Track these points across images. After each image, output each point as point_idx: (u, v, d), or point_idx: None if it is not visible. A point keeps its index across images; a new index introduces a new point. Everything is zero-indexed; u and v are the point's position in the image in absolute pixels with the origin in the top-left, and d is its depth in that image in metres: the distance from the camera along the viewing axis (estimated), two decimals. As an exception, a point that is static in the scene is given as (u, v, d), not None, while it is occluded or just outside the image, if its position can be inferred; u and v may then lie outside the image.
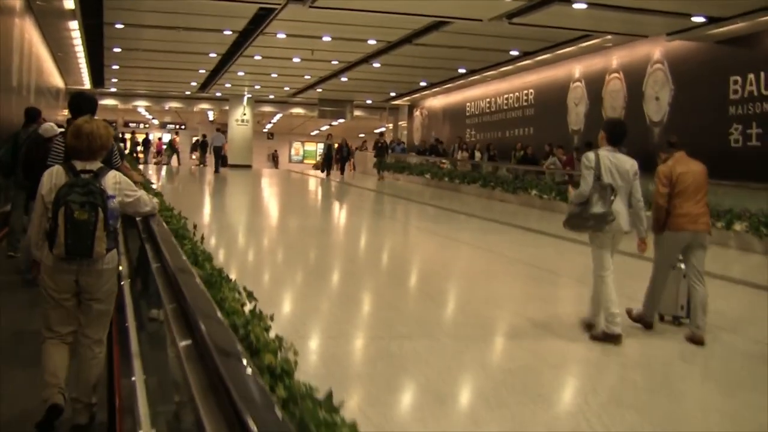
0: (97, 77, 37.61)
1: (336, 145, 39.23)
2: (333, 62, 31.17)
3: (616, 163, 7.05)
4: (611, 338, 6.92)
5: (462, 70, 33.00)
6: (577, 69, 28.29)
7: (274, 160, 63.05)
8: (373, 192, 28.87)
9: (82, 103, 7.29)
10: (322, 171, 37.46)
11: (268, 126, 59.22)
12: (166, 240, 5.06)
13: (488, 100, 36.33)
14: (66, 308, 5.01)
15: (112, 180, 5.06)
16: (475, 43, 25.22)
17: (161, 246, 4.85)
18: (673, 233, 7.37)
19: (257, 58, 30.00)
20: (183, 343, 3.01)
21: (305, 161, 64.66)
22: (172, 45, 27.83)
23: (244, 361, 2.47)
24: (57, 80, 32.50)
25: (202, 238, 6.47)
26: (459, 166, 32.04)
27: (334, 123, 56.68)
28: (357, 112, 48.67)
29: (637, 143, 18.13)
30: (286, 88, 42.08)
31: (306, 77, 36.60)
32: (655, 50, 23.69)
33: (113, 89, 44.90)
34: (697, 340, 7.13)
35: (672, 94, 23.02)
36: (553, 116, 29.52)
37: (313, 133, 65.83)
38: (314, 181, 35.34)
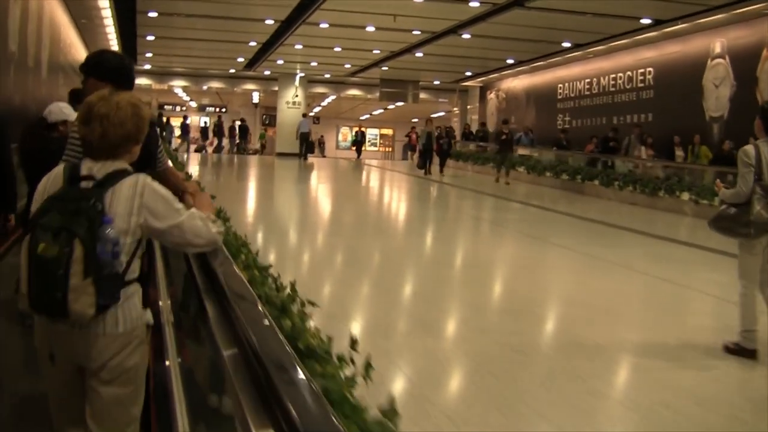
0: (130, 50, 33.69)
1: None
2: (414, 32, 27.22)
3: None
4: (745, 352, 6.46)
5: (566, 44, 28.74)
6: (719, 43, 23.94)
7: (320, 147, 58.93)
8: (519, 204, 21.29)
9: (103, 67, 4.50)
10: (421, 167, 30.46)
11: (316, 109, 55.63)
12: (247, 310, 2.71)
13: (588, 80, 32.22)
14: (68, 390, 3.50)
15: (129, 190, 3.31)
16: (592, 6, 21.92)
17: (237, 319, 2.61)
18: None
19: (323, 26, 26.40)
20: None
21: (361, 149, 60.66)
22: (221, 8, 24.20)
23: None
24: (80, 53, 28.35)
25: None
26: (640, 167, 23.97)
27: (390, 107, 53.76)
28: (422, 95, 45.41)
29: None
30: (347, 66, 38.82)
31: (375, 51, 33.04)
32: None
33: (147, 66, 41.31)
34: None
35: None
36: (682, 100, 25.28)
37: (362, 117, 62.21)
38: (411, 181, 28.78)
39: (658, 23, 23.72)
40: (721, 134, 23.04)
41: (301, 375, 2.09)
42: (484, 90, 44.01)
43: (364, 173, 34.91)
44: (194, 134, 48.11)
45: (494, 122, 41.04)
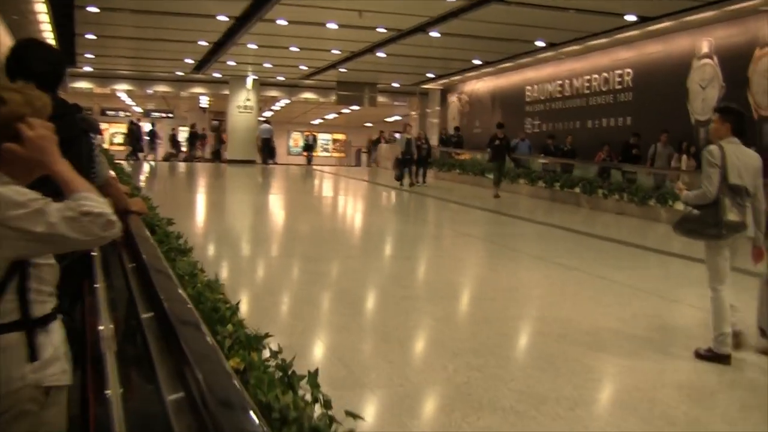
0: (67, 50, 31.69)
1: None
2: (379, 30, 25.69)
3: (743, 159, 6.53)
4: (719, 358, 6.45)
5: (540, 43, 27.44)
6: (706, 42, 22.76)
7: (270, 152, 57.05)
8: (522, 222, 18.97)
9: (26, 57, 3.96)
10: (399, 178, 27.44)
11: (267, 114, 54.09)
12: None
13: (559, 82, 30.95)
14: None
15: None
16: (575, 2, 20.67)
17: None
18: None
19: (281, 23, 24.78)
20: None
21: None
22: (169, 4, 22.73)
23: None
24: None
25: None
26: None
27: (344, 111, 52.53)
28: (380, 98, 44.16)
29: None
30: (303, 67, 37.29)
31: (334, 52, 31.54)
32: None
33: (88, 67, 39.24)
34: None
35: None
36: (665, 103, 24.02)
37: (315, 122, 60.96)
38: (389, 194, 26.49)
39: (643, 20, 22.48)
40: (708, 138, 21.86)
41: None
42: (445, 93, 42.73)
43: (330, 184, 33.12)
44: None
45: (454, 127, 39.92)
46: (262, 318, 7.10)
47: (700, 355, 6.64)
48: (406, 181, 27.11)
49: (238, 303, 4.37)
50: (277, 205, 22.37)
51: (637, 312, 8.65)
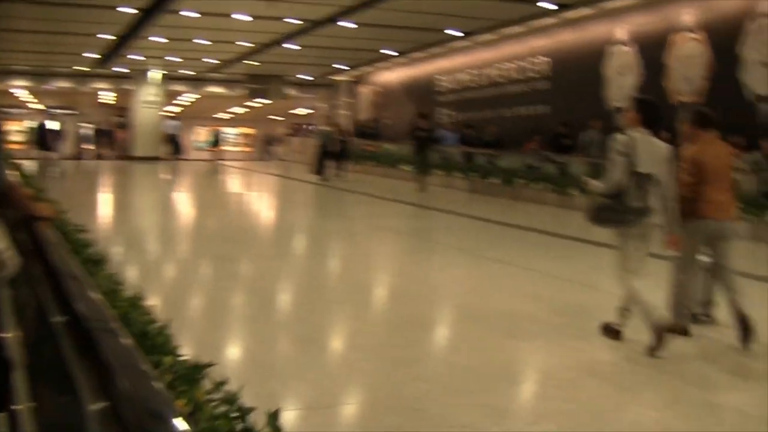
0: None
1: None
2: (290, 20, 24.86)
3: (651, 147, 6.61)
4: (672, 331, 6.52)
5: (454, 32, 26.86)
6: (623, 29, 22.47)
7: (176, 146, 55.62)
8: (447, 215, 18.11)
9: None
10: (318, 172, 26.31)
11: (173, 109, 52.63)
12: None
13: (473, 72, 30.42)
14: None
15: None
16: None
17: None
18: (697, 222, 6.92)
19: (188, 14, 23.69)
20: None
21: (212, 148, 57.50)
22: None
23: None
24: None
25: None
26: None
27: (253, 104, 51.37)
28: (289, 91, 43.45)
29: (733, 123, 15.81)
30: (210, 60, 36.35)
31: (243, 44, 30.61)
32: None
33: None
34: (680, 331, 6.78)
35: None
36: (582, 90, 23.69)
37: (221, 116, 59.65)
38: (307, 189, 25.49)
39: (559, 8, 22.13)
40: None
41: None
42: (355, 84, 42.08)
43: (242, 180, 32.05)
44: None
45: (368, 118, 39.28)
46: (175, 326, 6.29)
47: (658, 330, 6.52)
48: (330, 174, 26.12)
49: (168, 324, 4.12)
50: (187, 203, 21.44)
51: (570, 301, 8.49)
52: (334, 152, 26.42)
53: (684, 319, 7.07)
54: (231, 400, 3.35)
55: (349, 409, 5.58)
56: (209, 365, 3.73)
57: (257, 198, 24.20)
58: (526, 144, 23.76)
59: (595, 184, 6.90)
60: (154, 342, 4.00)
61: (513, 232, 14.81)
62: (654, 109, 6.81)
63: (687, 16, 20.36)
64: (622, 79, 22.60)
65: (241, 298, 8.94)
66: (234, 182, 30.64)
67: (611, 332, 6.84)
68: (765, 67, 18.09)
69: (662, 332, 6.37)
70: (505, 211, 19.01)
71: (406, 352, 6.57)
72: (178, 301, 8.22)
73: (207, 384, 3.59)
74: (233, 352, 6.78)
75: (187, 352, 4.17)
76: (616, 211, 6.60)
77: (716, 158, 7.08)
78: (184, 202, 21.53)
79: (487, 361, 6.32)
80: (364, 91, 41.04)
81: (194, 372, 3.58)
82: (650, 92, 20.92)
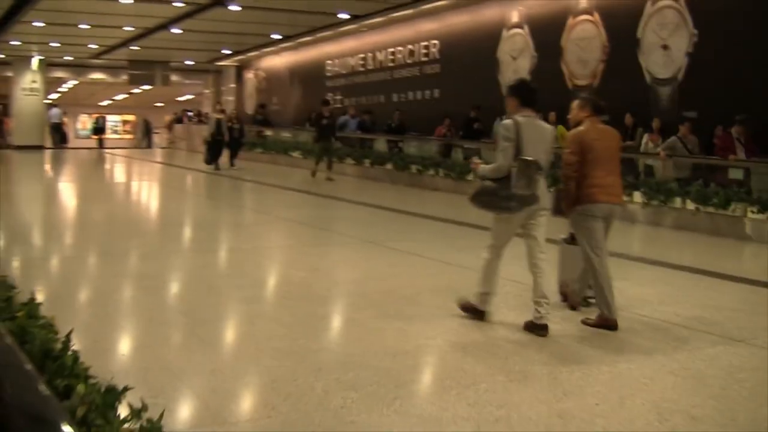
0: None
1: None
2: (175, 3, 23.59)
3: (537, 131, 6.61)
4: (478, 313, 6.81)
5: (343, 16, 25.97)
6: (516, 12, 21.94)
7: (61, 136, 53.38)
8: (350, 205, 16.99)
9: None
10: (209, 161, 24.45)
11: (53, 96, 50.58)
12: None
13: (362, 56, 29.63)
14: None
15: None
16: None
17: None
18: (588, 206, 6.89)
19: (67, -1, 22.04)
20: None
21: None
22: None
23: None
24: None
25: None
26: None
27: (135, 91, 49.85)
28: (173, 77, 42.22)
29: (629, 107, 16.85)
30: (92, 46, 34.66)
31: (127, 29, 29.13)
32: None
33: None
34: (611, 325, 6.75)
35: (694, 40, 16.96)
36: (475, 74, 23.07)
37: (104, 103, 58.03)
38: (198, 179, 23.77)
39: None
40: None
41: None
42: (241, 69, 40.88)
43: (128, 169, 30.19)
44: None
45: (252, 104, 38.11)
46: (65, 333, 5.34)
47: (464, 308, 6.92)
48: (223, 163, 24.56)
49: (69, 334, 3.78)
50: (71, 194, 19.85)
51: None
52: (228, 140, 24.76)
53: (580, 296, 7.36)
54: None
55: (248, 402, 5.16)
56: (126, 390, 3.29)
57: (148, 189, 22.60)
58: (437, 129, 22.65)
59: (484, 168, 6.79)
60: (61, 363, 3.44)
61: (419, 221, 14.02)
62: (528, 90, 6.79)
63: (582, -2, 19.95)
64: (515, 63, 22.08)
65: (135, 298, 7.91)
66: (121, 172, 28.96)
67: (475, 312, 6.92)
68: (664, 50, 17.75)
69: (474, 311, 6.83)
70: (408, 199, 18.20)
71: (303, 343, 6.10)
72: (66, 305, 7.20)
73: (123, 410, 3.15)
74: (135, 358, 5.92)
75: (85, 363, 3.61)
76: (499, 197, 6.54)
77: (601, 141, 7.01)
78: (69, 194, 20.01)
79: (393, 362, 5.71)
80: (250, 76, 39.86)
81: (109, 399, 3.15)
82: (545, 75, 20.53)
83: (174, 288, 8.61)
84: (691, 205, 13.41)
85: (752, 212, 12.49)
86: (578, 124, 7.10)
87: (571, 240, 7.44)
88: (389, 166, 21.73)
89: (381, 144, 24.14)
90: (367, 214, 15.35)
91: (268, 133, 31.43)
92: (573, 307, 7.34)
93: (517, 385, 5.34)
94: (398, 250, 10.76)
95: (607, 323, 6.77)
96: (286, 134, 30.43)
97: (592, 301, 7.21)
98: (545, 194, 6.71)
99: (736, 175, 14.01)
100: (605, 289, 6.86)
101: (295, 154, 26.54)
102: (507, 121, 6.57)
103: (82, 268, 9.64)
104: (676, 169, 14.79)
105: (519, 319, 6.80)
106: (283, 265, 9.94)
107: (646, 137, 15.96)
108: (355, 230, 12.88)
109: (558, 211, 7.10)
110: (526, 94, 6.71)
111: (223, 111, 25.71)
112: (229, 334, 6.74)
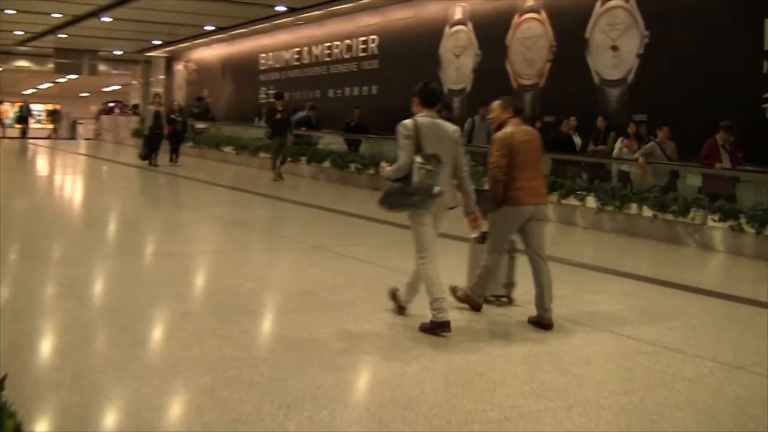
0: None
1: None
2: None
3: (437, 130, 6.62)
4: (441, 326, 6.44)
5: (280, 8, 24.93)
6: (460, 8, 21.14)
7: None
8: (301, 207, 15.39)
9: None
10: (145, 157, 22.50)
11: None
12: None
13: (297, 50, 28.62)
14: None
15: None
16: None
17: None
18: (513, 208, 6.94)
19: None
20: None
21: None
22: None
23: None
24: None
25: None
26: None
27: (60, 80, 48.14)
28: (101, 66, 40.68)
29: (576, 109, 16.50)
30: (18, 32, 33.08)
31: (55, 15, 27.76)
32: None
33: None
34: (546, 324, 6.83)
35: (645, 41, 16.35)
36: (415, 71, 21.78)
37: (27, 92, 56.57)
38: (133, 176, 21.67)
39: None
40: (463, 108, 20.32)
41: None
42: (170, 61, 39.50)
43: (54, 162, 28.18)
44: None
45: (183, 97, 36.75)
46: None
47: (424, 329, 6.60)
48: (160, 158, 22.71)
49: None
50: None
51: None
52: (169, 134, 22.88)
53: (481, 296, 7.36)
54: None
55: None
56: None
57: (77, 185, 20.89)
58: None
59: (388, 170, 6.70)
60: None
61: (367, 224, 13.00)
62: (429, 92, 6.77)
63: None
64: (458, 61, 21.28)
65: (62, 312, 6.79)
66: (47, 165, 27.14)
67: (399, 309, 7.03)
68: (613, 51, 17.10)
69: (436, 326, 6.55)
70: (355, 200, 17.17)
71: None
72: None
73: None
74: (60, 392, 4.78)
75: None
76: (404, 194, 6.53)
77: (528, 143, 7.04)
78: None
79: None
80: (180, 68, 38.53)
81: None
82: (489, 74, 19.80)
83: (108, 300, 7.40)
84: (648, 212, 12.72)
85: (713, 221, 11.82)
86: (501, 125, 7.13)
87: (483, 240, 7.42)
88: (327, 164, 20.56)
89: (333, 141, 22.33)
90: (313, 216, 14.22)
91: (201, 126, 29.70)
92: (476, 308, 7.37)
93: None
94: (348, 257, 9.78)
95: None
96: (226, 128, 28.74)
97: (505, 300, 7.57)
98: (449, 190, 6.69)
99: (693, 181, 13.36)
100: (489, 282, 7.32)
101: (229, 149, 25.24)
102: (407, 121, 6.64)
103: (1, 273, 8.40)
104: (656, 176, 13.90)
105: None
106: (229, 273, 8.83)
107: (620, 142, 14.99)
108: (302, 234, 11.81)
109: (484, 212, 7.17)
110: (427, 95, 6.78)
111: (161, 103, 23.75)
112: (176, 359, 5.57)
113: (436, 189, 6.47)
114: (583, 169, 14.78)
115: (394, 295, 7.15)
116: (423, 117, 6.66)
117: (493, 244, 7.23)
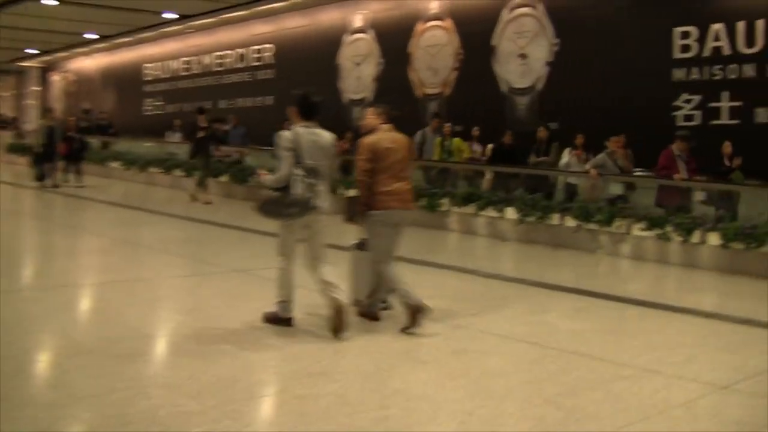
0: None
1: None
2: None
3: (316, 140, 6.68)
4: (282, 321, 6.78)
5: (170, 15, 23.70)
6: (360, 16, 20.41)
7: None
8: (223, 229, 13.45)
9: None
10: (40, 177, 19.35)
11: None
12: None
13: (186, 59, 27.39)
14: None
15: None
16: None
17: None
18: (383, 213, 6.98)
19: None
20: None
21: None
22: None
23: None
24: None
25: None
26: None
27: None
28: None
29: (484, 117, 16.45)
30: None
31: None
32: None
33: None
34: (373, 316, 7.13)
35: (555, 49, 16.01)
36: (313, 80, 20.73)
37: None
38: (24, 197, 18.69)
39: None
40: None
41: None
42: (46, 71, 37.40)
43: None
44: None
45: (61, 109, 34.70)
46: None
47: (267, 319, 6.85)
48: (57, 177, 19.40)
49: None
50: None
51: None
52: (65, 152, 19.51)
53: (376, 305, 7.32)
54: None
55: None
56: None
57: None
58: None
59: (268, 179, 6.85)
60: None
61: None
62: (308, 104, 6.80)
63: (433, 2, 18.63)
64: (358, 69, 20.57)
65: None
66: None
67: (280, 321, 6.90)
68: (522, 58, 16.69)
69: (278, 319, 6.78)
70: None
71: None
72: None
73: None
74: None
75: None
76: (282, 204, 6.65)
77: (394, 149, 7.05)
78: None
79: None
80: (57, 78, 36.54)
81: None
82: (392, 83, 19.14)
83: (25, 342, 6.17)
84: (571, 222, 12.20)
85: (640, 229, 11.39)
86: (371, 131, 7.14)
87: (362, 246, 7.37)
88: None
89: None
90: (231, 237, 13.12)
91: (90, 140, 27.09)
92: (374, 318, 7.27)
93: None
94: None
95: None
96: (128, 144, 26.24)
97: (384, 305, 7.41)
98: (326, 200, 6.74)
99: (615, 190, 12.91)
100: (382, 283, 7.17)
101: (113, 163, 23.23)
102: (286, 132, 6.71)
103: None
104: (608, 188, 13.19)
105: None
106: (154, 304, 7.75)
107: (567, 153, 14.15)
108: (221, 257, 10.80)
109: (351, 218, 7.23)
110: (305, 107, 6.80)
111: (54, 118, 20.90)
112: (122, 420, 4.47)
113: (315, 202, 6.57)
114: (522, 182, 13.85)
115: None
116: (302, 128, 6.69)
117: (375, 251, 7.20)
